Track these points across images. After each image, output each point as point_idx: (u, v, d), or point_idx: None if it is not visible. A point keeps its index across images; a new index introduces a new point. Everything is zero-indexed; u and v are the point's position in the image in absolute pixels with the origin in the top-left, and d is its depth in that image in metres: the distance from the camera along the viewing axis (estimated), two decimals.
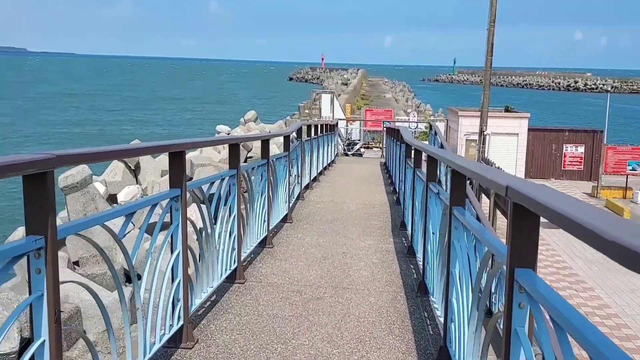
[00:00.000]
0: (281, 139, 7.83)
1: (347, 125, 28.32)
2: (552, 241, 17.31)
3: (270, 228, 6.25)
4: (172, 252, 3.39)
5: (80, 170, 16.24)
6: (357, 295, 4.52)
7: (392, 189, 10.66)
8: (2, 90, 79.33)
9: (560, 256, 15.95)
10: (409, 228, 6.51)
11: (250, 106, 42.60)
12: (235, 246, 4.69)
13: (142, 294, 2.88)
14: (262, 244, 5.97)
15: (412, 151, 6.13)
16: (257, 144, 23.13)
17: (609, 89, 29.75)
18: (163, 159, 22.87)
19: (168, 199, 3.34)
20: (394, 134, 11.89)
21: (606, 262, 15.35)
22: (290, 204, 7.69)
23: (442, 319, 3.45)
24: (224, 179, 4.49)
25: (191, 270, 3.79)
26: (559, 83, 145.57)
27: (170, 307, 3.35)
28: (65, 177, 15.95)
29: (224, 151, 25.73)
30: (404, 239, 6.76)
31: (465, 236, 2.79)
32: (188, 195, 3.58)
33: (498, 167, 21.88)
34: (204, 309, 4.10)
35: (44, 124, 46.68)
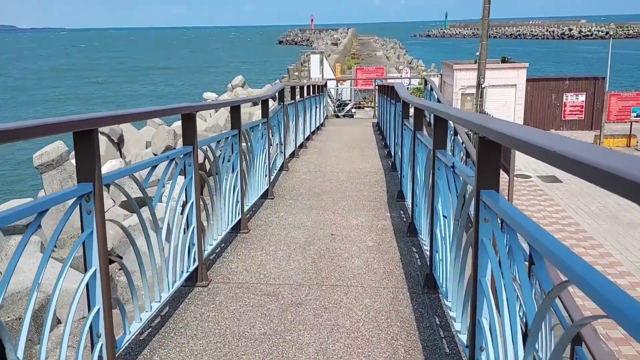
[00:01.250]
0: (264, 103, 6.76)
1: (337, 86, 27.22)
2: (555, 195, 16.46)
3: (246, 210, 5.29)
4: (85, 270, 2.45)
5: (56, 147, 15.26)
6: (347, 296, 3.60)
7: (386, 152, 9.68)
8: None
9: (565, 211, 15.13)
10: (408, 199, 5.57)
11: (239, 72, 40.97)
12: (195, 241, 3.75)
13: (22, 344, 1.94)
14: (236, 228, 5.02)
15: (411, 110, 5.13)
16: (248, 109, 21.96)
17: (612, 33, 28.39)
18: (147, 130, 21.83)
19: (74, 198, 2.37)
20: (387, 91, 10.83)
21: (614, 216, 14.58)
22: (272, 178, 6.72)
23: (464, 338, 2.54)
24: (173, 160, 3.50)
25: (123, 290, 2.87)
26: (553, 32, 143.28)
27: (87, 342, 2.43)
28: (40, 155, 14.95)
29: (210, 119, 24.58)
30: (402, 212, 5.83)
31: (506, 236, 1.82)
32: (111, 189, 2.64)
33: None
34: (150, 329, 3.18)
35: (31, 102, 45.22)
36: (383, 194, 6.66)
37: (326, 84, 17.48)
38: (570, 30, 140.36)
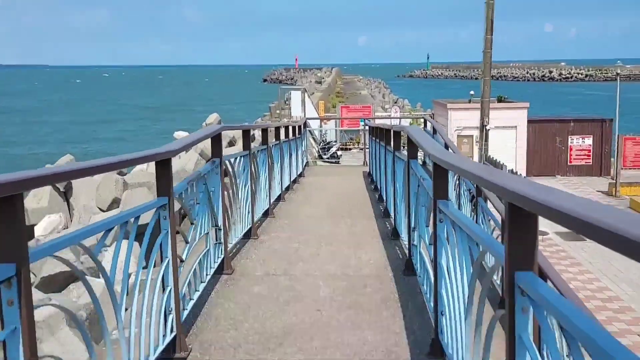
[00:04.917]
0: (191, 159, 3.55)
1: (321, 126, 24.39)
2: (582, 258, 13.36)
3: None
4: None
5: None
6: None
7: (389, 228, 6.47)
8: None
9: (600, 281, 12.10)
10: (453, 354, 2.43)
11: (221, 110, 37.65)
12: None
13: None
14: None
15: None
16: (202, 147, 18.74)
17: (620, 72, 26.02)
18: (99, 178, 18.48)
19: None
20: (385, 137, 7.73)
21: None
22: (186, 311, 3.45)
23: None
24: None
25: None
26: (534, 74, 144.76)
27: None
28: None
29: (177, 160, 21.32)
30: None
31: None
32: None
33: (512, 170, 17.90)
34: None
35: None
36: (400, 337, 3.45)
37: (305, 123, 14.42)
38: (550, 72, 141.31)
